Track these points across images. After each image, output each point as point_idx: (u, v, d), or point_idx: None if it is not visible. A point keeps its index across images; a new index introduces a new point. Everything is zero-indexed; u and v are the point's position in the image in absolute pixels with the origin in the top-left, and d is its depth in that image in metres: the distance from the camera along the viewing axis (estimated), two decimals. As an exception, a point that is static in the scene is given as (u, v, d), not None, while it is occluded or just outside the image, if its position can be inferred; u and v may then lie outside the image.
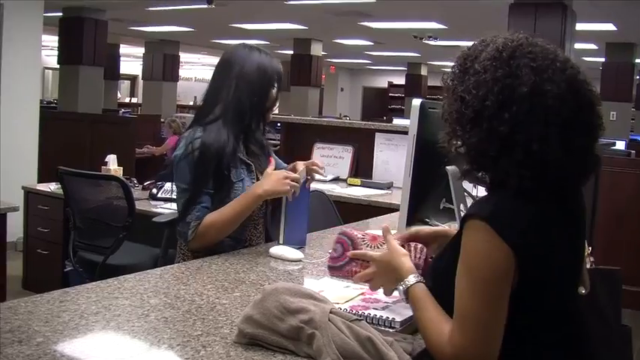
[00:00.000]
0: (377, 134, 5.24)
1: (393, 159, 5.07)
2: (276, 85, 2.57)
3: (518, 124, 1.39)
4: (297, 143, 5.52)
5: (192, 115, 10.96)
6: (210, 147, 2.39)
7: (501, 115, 1.39)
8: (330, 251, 1.94)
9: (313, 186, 2.70)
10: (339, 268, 1.86)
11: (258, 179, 2.52)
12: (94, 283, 1.95)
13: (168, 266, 2.24)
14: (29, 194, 5.32)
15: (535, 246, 1.40)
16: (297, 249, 2.47)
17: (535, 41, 1.48)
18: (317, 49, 14.81)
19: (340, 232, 1.96)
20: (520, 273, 1.39)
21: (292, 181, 2.41)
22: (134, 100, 21.78)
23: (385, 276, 1.70)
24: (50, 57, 14.33)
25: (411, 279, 1.59)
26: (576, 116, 1.41)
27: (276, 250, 2.42)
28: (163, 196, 4.69)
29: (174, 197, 4.47)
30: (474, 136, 1.44)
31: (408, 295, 1.59)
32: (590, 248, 1.63)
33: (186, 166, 2.41)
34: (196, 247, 2.43)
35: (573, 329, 1.51)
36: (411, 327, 1.70)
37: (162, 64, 15.85)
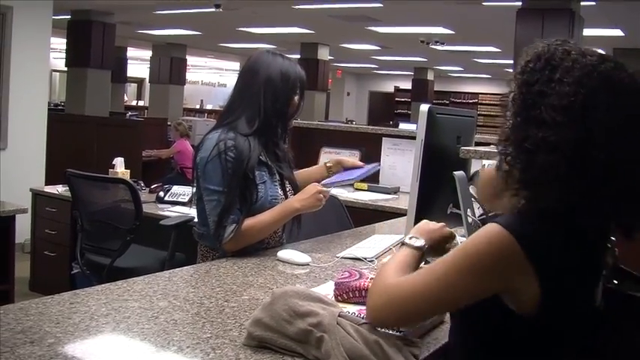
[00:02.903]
0: (384, 139, 5.26)
1: (399, 164, 5.08)
2: (298, 92, 2.59)
3: (589, 191, 1.30)
4: (305, 148, 5.53)
5: (198, 119, 10.90)
6: (243, 151, 2.42)
7: (574, 182, 1.30)
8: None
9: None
10: (346, 283, 1.87)
11: (282, 182, 2.61)
12: (103, 285, 1.96)
13: (177, 269, 2.25)
14: (37, 196, 5.34)
15: (555, 261, 1.34)
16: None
17: (616, 78, 1.32)
18: (324, 54, 14.85)
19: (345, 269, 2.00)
20: (543, 291, 1.33)
21: (324, 195, 2.58)
22: (141, 102, 21.84)
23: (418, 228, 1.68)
24: (57, 59, 14.40)
25: (414, 241, 1.59)
26: (636, 179, 1.33)
27: (284, 253, 2.44)
28: (170, 199, 4.71)
29: (182, 200, 4.56)
30: (519, 158, 1.35)
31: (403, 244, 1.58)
32: (617, 251, 1.56)
33: (217, 167, 2.42)
34: (231, 249, 2.45)
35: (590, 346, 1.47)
36: (419, 331, 1.71)
37: (170, 67, 15.91)
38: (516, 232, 1.32)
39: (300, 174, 2.91)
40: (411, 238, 1.61)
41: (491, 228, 1.35)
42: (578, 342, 1.46)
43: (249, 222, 2.45)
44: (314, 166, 3.01)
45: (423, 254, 1.59)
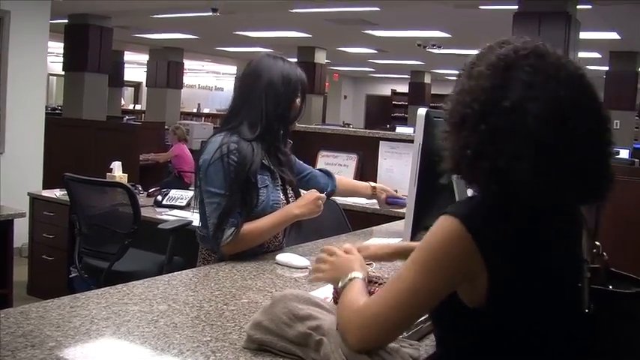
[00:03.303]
0: (381, 142, 5.26)
1: (397, 167, 5.09)
2: (300, 94, 2.59)
3: (492, 138, 1.34)
4: (302, 151, 5.50)
5: (196, 122, 10.91)
6: (246, 156, 2.43)
7: (479, 126, 1.35)
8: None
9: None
10: None
11: (284, 187, 2.61)
12: (103, 289, 1.97)
13: (176, 273, 2.26)
14: (35, 200, 5.35)
15: (507, 254, 1.35)
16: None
17: (545, 52, 1.39)
18: (321, 57, 14.86)
19: None
20: (491, 283, 1.35)
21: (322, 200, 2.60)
22: (138, 106, 21.83)
23: (335, 270, 1.71)
24: (54, 63, 14.39)
25: (356, 274, 1.61)
26: (556, 141, 1.31)
27: (283, 257, 2.44)
28: (168, 203, 4.72)
29: (179, 204, 4.57)
30: (454, 141, 1.42)
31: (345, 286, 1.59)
32: (606, 255, 1.56)
33: (219, 170, 2.42)
34: (229, 252, 2.46)
35: (558, 353, 1.46)
36: (417, 334, 1.72)
37: (167, 71, 15.90)
38: (461, 215, 1.36)
39: (346, 183, 3.08)
40: (346, 277, 1.61)
41: (440, 219, 1.39)
42: (564, 345, 1.46)
43: (248, 226, 2.45)
44: (361, 182, 3.21)
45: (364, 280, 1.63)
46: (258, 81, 2.52)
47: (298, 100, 2.60)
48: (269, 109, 2.50)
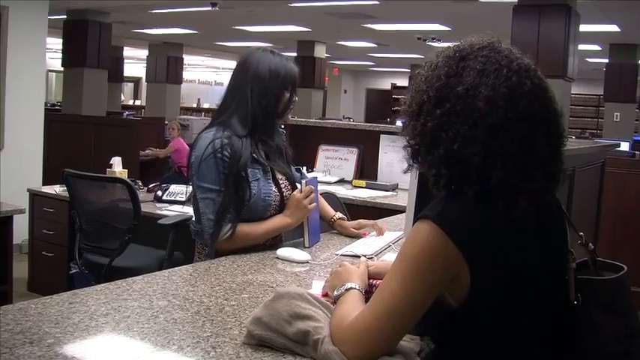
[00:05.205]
0: (382, 136, 5.25)
1: (397, 160, 5.07)
2: (290, 88, 2.57)
3: (446, 123, 1.39)
4: (303, 145, 5.53)
5: (196, 118, 10.90)
6: (236, 150, 2.43)
7: (434, 112, 1.41)
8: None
9: (322, 188, 2.73)
10: None
11: (274, 179, 2.59)
12: (102, 285, 1.95)
13: (176, 268, 2.25)
14: (35, 197, 5.33)
15: (485, 248, 1.36)
16: (315, 243, 2.67)
17: (501, 47, 1.45)
18: (320, 51, 14.82)
19: None
20: (472, 278, 1.35)
21: (307, 197, 2.58)
22: (138, 102, 21.81)
23: (335, 279, 1.76)
24: (53, 59, 14.37)
25: (353, 284, 1.63)
26: (506, 124, 1.36)
27: (284, 251, 2.43)
28: (168, 198, 4.71)
29: (180, 199, 4.55)
30: (411, 130, 1.47)
31: (340, 295, 1.61)
32: (592, 246, 1.55)
33: (211, 166, 2.42)
34: (225, 248, 2.46)
35: (547, 343, 1.45)
36: (417, 329, 1.70)
37: (166, 66, 15.88)
38: (434, 216, 1.36)
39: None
40: (342, 287, 1.64)
41: (416, 225, 1.40)
42: (552, 335, 1.46)
43: (244, 229, 2.46)
44: (327, 208, 3.03)
45: (361, 292, 1.63)
46: (246, 74, 2.53)
47: (287, 94, 2.57)
48: (254, 102, 2.50)
